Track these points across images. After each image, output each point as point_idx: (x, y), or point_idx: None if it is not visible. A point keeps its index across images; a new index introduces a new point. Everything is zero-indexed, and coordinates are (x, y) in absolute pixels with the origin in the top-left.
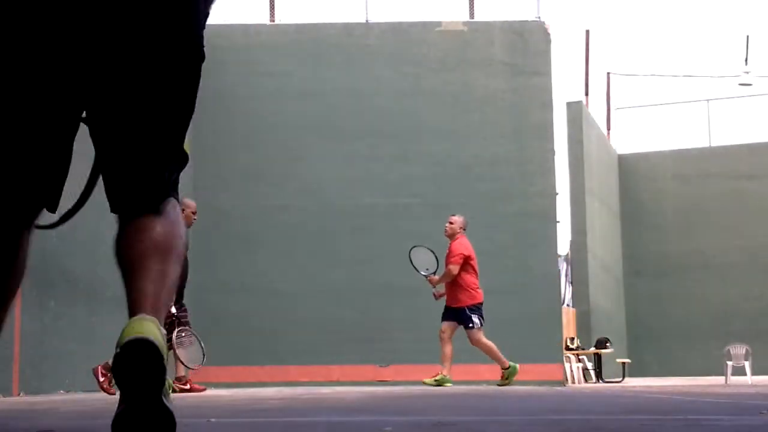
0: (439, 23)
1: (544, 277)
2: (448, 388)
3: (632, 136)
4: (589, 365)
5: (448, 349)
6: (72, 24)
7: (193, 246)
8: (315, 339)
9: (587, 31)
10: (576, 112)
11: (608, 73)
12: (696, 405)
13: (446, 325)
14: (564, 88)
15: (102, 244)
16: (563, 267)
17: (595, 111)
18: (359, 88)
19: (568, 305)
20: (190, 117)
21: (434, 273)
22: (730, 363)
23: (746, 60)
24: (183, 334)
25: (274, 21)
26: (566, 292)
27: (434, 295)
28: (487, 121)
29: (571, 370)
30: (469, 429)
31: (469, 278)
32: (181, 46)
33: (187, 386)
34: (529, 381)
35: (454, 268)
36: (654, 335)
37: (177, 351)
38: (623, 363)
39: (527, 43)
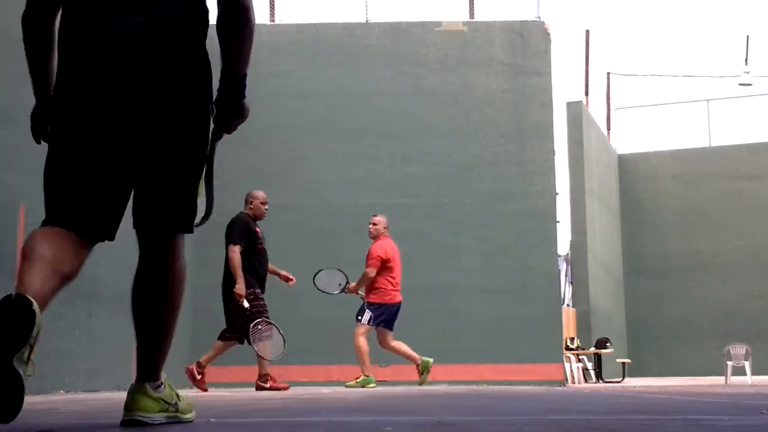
0: (439, 23)
1: (544, 277)
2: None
3: (632, 136)
4: (589, 365)
5: (361, 346)
6: (120, 114)
7: (193, 246)
8: (315, 339)
9: (587, 31)
10: (576, 112)
11: (608, 73)
12: (696, 405)
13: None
14: (564, 88)
15: (102, 244)
16: (563, 267)
17: (595, 111)
18: (359, 88)
19: (568, 305)
20: (199, 164)
21: (347, 283)
22: (730, 363)
23: (746, 60)
24: (260, 327)
25: (274, 21)
26: (566, 292)
27: (361, 297)
28: (487, 121)
29: (571, 370)
30: (469, 429)
31: (382, 280)
32: (187, 109)
33: (267, 384)
34: (529, 381)
35: (371, 271)
36: (654, 335)
37: (255, 346)
38: (623, 363)
39: (527, 43)
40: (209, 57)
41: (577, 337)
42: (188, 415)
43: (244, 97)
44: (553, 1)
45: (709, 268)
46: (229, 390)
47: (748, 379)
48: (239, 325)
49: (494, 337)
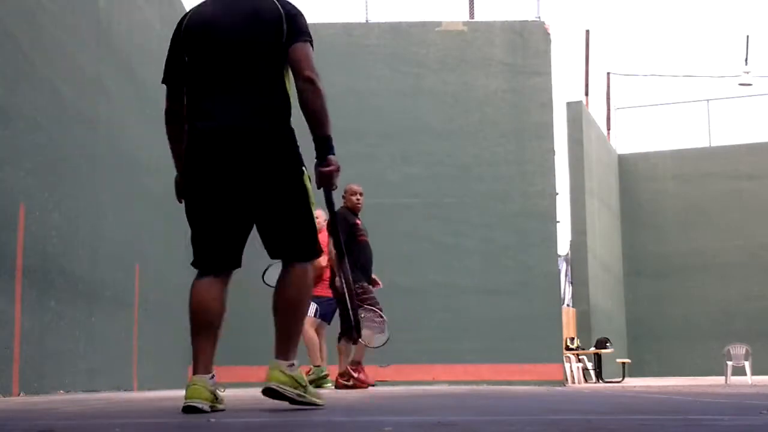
0: (439, 23)
1: (544, 277)
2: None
3: (632, 136)
4: (589, 365)
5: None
6: (238, 185)
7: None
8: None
9: (587, 31)
10: (576, 112)
11: (608, 73)
12: (696, 405)
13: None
14: (564, 88)
15: (102, 244)
16: (563, 267)
17: (595, 111)
18: (359, 88)
19: (568, 305)
20: (307, 213)
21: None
22: (730, 363)
23: (746, 60)
24: (367, 315)
25: None
26: (566, 292)
27: None
28: (487, 121)
29: (571, 370)
30: (469, 429)
31: (329, 272)
32: (289, 178)
33: (351, 382)
34: (529, 381)
35: (321, 261)
36: (654, 335)
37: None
38: (623, 363)
39: (527, 43)
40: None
41: (577, 337)
42: (320, 401)
43: (330, 153)
44: (553, 1)
45: (709, 268)
46: (229, 390)
47: (748, 379)
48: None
49: (494, 337)
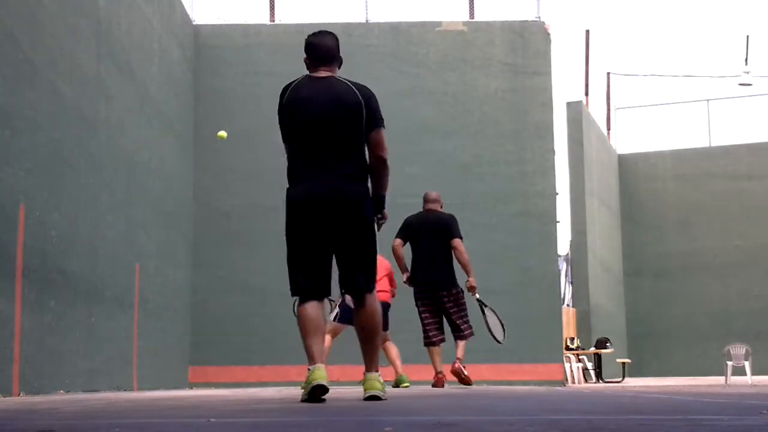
0: (439, 23)
1: (544, 277)
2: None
3: (632, 136)
4: (589, 365)
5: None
6: (325, 222)
7: (192, 248)
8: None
9: (587, 31)
10: (576, 112)
11: (608, 73)
12: (696, 405)
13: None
14: (564, 88)
15: (102, 244)
16: (563, 267)
17: (595, 111)
18: None
19: (568, 305)
20: (374, 256)
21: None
22: (730, 363)
23: (746, 60)
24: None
25: (274, 21)
26: (566, 292)
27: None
28: (487, 121)
29: (571, 370)
30: (469, 429)
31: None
32: (365, 229)
33: (465, 376)
34: (529, 381)
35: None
36: (654, 335)
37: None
38: (623, 363)
39: (527, 43)
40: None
41: (577, 337)
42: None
43: (384, 207)
44: (553, 1)
45: (709, 268)
46: (229, 390)
47: (748, 379)
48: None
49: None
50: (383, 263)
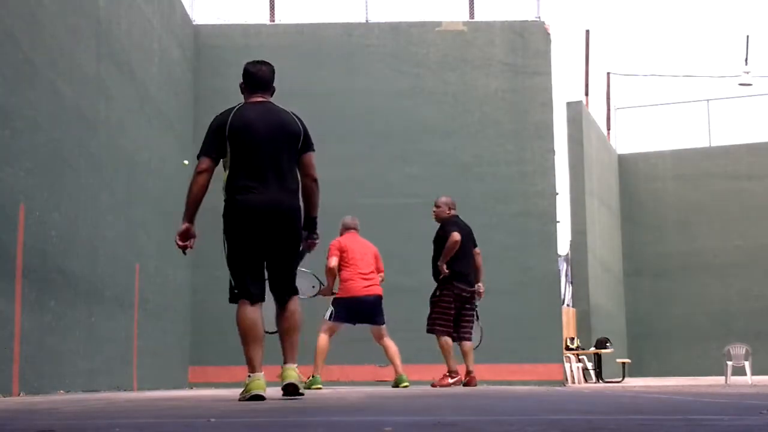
0: (439, 23)
1: (544, 277)
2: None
3: (632, 136)
4: (589, 365)
5: (320, 344)
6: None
7: (194, 246)
8: (315, 339)
9: (587, 31)
10: (576, 112)
11: (608, 73)
12: (696, 405)
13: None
14: (564, 88)
15: (102, 244)
16: (563, 267)
17: (595, 111)
18: (359, 88)
19: (568, 305)
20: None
21: (320, 286)
22: (730, 363)
23: (746, 60)
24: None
25: (274, 21)
26: (566, 292)
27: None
28: (487, 121)
29: (571, 370)
30: (469, 429)
31: (342, 273)
32: (298, 240)
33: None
34: (529, 381)
35: (328, 262)
36: (654, 335)
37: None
38: (623, 363)
39: (527, 43)
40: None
41: (577, 337)
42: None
43: (315, 229)
44: (553, 1)
45: (709, 268)
46: (229, 390)
47: (748, 379)
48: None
49: (494, 337)
50: (371, 249)
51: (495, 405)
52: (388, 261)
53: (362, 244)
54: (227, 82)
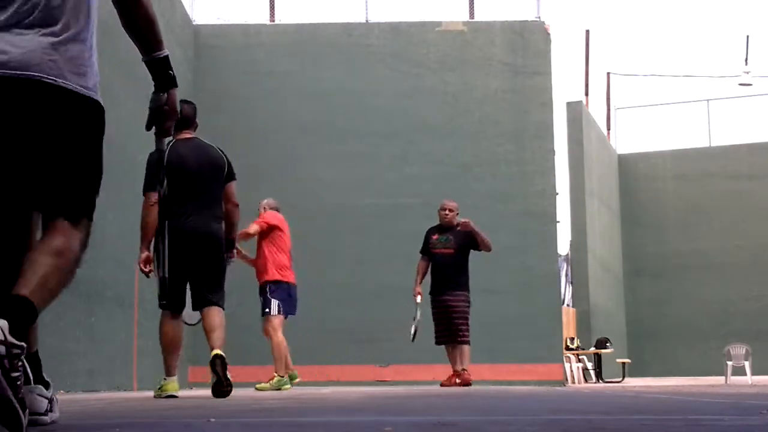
0: (439, 23)
1: (544, 277)
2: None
3: (632, 136)
4: (589, 365)
5: (275, 342)
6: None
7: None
8: (315, 339)
9: (587, 31)
10: (576, 112)
11: (608, 73)
12: (696, 405)
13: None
14: (564, 88)
15: (102, 244)
16: (563, 267)
17: (595, 111)
18: (359, 88)
19: (568, 305)
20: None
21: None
22: (730, 363)
23: (746, 60)
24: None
25: (274, 21)
26: (566, 292)
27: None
28: (487, 121)
29: (571, 370)
30: (469, 429)
31: (278, 256)
32: (221, 259)
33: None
34: (529, 381)
35: (250, 228)
36: (654, 335)
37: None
38: (623, 363)
39: (527, 43)
40: None
41: (577, 337)
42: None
43: (233, 248)
44: (553, 1)
45: (709, 268)
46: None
47: (748, 379)
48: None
49: (494, 337)
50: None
51: (495, 405)
52: (388, 261)
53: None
54: (227, 82)
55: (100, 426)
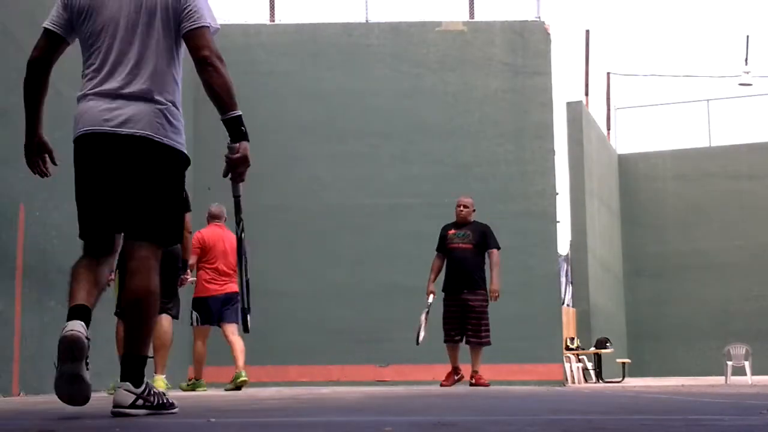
0: (439, 23)
1: (544, 277)
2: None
3: (632, 136)
4: (589, 365)
5: (196, 347)
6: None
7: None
8: (315, 339)
9: (587, 31)
10: (576, 112)
11: (608, 73)
12: (696, 405)
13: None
14: (564, 88)
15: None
16: (563, 267)
17: (595, 111)
18: (359, 88)
19: (568, 305)
20: None
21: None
22: (730, 363)
23: (746, 60)
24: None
25: (274, 21)
26: (566, 292)
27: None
28: (487, 121)
29: (571, 370)
30: (469, 429)
31: (199, 272)
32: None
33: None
34: (529, 381)
35: (192, 258)
36: (654, 335)
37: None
38: (623, 363)
39: (527, 43)
40: None
41: (577, 337)
42: None
43: None
44: (553, 1)
45: (709, 268)
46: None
47: (748, 379)
48: None
49: (494, 337)
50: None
51: (495, 405)
52: (388, 261)
53: (221, 237)
54: None
55: (100, 426)
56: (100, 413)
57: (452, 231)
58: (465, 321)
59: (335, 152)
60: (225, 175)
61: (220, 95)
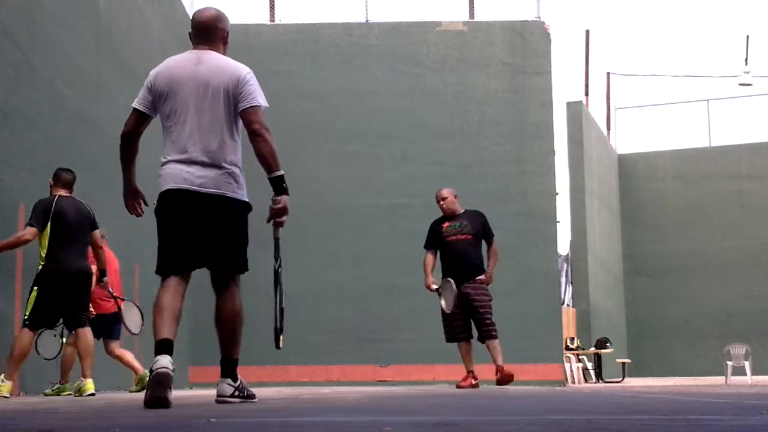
0: (439, 23)
1: (544, 277)
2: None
3: (632, 136)
4: (589, 365)
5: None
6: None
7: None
8: (315, 339)
9: (587, 31)
10: (576, 112)
11: (608, 73)
12: (696, 405)
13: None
14: (564, 88)
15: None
16: (563, 267)
17: (595, 111)
18: (359, 88)
19: (568, 305)
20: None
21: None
22: (730, 363)
23: (746, 60)
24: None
25: (274, 21)
26: (566, 292)
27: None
28: (487, 121)
29: (571, 370)
30: (469, 429)
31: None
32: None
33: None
34: (529, 381)
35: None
36: (654, 335)
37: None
38: (623, 363)
39: (527, 43)
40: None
41: (577, 337)
42: None
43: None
44: (553, 1)
45: (709, 268)
46: None
47: (748, 379)
48: None
49: None
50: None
51: (495, 405)
52: (388, 261)
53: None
54: None
55: (100, 426)
56: (100, 413)
57: (446, 224)
58: (469, 316)
59: (335, 152)
60: (268, 221)
61: (267, 160)
